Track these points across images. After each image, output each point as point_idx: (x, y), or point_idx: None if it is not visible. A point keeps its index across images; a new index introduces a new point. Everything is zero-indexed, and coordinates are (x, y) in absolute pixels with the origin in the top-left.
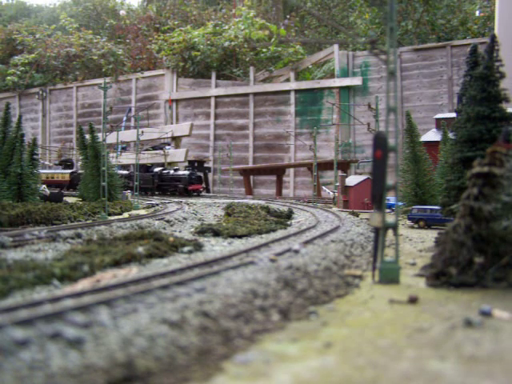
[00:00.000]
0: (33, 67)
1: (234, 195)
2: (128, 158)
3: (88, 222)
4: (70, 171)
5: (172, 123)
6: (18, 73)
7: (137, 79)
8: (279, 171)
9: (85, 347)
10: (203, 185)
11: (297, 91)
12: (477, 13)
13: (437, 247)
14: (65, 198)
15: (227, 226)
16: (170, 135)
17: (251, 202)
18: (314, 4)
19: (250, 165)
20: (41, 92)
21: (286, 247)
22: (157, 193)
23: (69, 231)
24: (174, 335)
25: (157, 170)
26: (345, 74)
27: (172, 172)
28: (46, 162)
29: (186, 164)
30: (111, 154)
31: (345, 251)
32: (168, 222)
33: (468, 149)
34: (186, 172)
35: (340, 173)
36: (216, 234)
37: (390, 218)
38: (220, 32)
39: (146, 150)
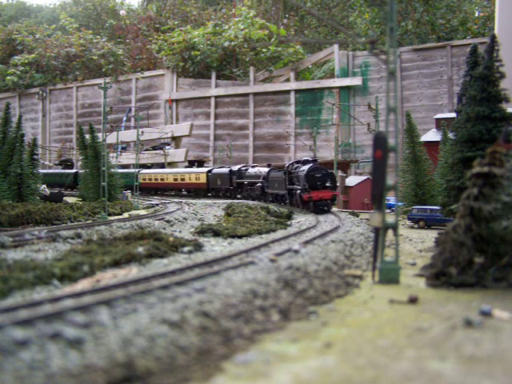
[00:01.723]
0: (33, 67)
1: None
2: (128, 157)
3: (88, 222)
4: (205, 170)
5: (172, 123)
6: (18, 73)
7: (137, 79)
8: None
9: (85, 347)
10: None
11: (297, 91)
12: (477, 13)
13: (437, 247)
14: (65, 198)
15: (227, 226)
16: (170, 135)
17: (251, 202)
18: (313, 4)
19: None
20: (41, 92)
21: (286, 247)
22: (287, 202)
23: (69, 231)
24: (173, 335)
25: (288, 163)
26: (345, 74)
27: (299, 166)
28: (46, 162)
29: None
30: (111, 154)
31: (345, 251)
32: (168, 222)
33: (468, 149)
34: (306, 167)
35: (340, 173)
36: (216, 234)
37: (390, 218)
38: (220, 32)
39: (146, 150)
